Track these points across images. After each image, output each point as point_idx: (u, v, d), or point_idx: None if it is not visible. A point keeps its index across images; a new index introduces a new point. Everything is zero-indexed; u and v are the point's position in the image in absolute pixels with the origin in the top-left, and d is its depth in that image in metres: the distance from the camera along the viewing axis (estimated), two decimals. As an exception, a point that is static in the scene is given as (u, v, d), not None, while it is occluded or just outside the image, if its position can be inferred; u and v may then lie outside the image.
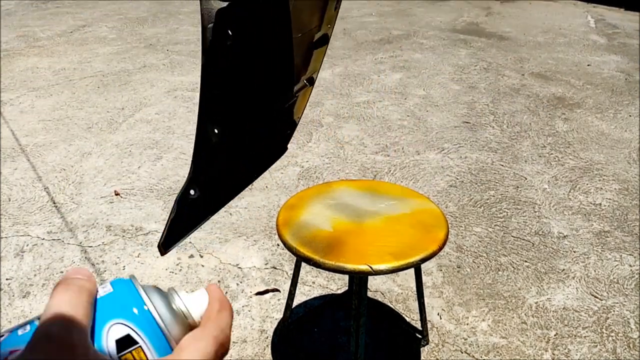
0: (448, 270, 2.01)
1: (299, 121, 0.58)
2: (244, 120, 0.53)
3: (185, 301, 0.33)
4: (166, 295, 0.32)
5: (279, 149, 0.57)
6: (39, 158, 2.78)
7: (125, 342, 0.30)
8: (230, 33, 0.49)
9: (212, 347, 0.30)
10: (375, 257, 1.16)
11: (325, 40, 0.57)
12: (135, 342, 0.30)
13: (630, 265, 2.06)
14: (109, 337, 0.29)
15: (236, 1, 0.49)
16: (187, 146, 2.94)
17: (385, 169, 2.75)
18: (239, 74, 0.52)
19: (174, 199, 0.47)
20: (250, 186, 2.52)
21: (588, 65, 4.51)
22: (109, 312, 0.30)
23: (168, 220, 0.46)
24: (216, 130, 0.50)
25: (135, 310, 0.30)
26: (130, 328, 0.30)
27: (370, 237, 1.24)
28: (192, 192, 0.49)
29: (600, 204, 2.48)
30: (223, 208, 0.49)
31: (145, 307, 0.31)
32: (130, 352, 0.29)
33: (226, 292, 1.88)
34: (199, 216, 0.49)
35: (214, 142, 0.50)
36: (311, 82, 0.57)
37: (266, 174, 2.64)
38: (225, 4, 0.48)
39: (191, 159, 0.50)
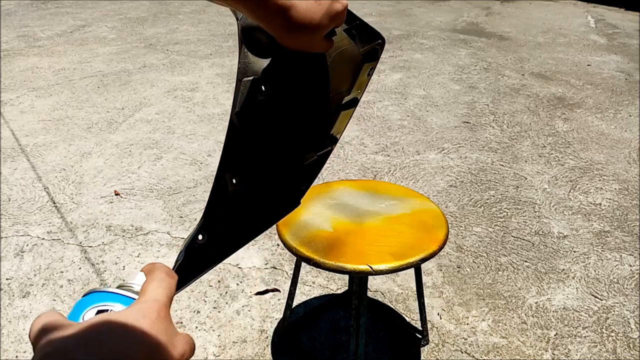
0: (448, 270, 2.01)
1: (315, 178, 0.59)
2: (264, 173, 0.54)
3: (133, 281, 0.42)
4: (122, 286, 0.42)
5: (292, 203, 0.58)
6: (39, 158, 2.78)
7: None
8: (263, 89, 0.51)
9: (164, 274, 0.40)
10: (375, 257, 1.16)
11: (354, 104, 0.58)
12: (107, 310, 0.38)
13: (630, 265, 2.06)
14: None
15: (275, 60, 0.51)
16: (187, 146, 2.94)
17: (385, 169, 2.75)
18: (266, 129, 0.53)
19: (183, 244, 0.49)
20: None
21: (588, 65, 4.51)
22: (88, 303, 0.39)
23: (176, 264, 0.48)
24: (234, 180, 0.51)
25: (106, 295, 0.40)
26: (104, 305, 0.38)
27: (370, 237, 1.24)
28: (200, 237, 0.50)
29: (600, 204, 2.48)
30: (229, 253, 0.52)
31: (111, 291, 0.40)
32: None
33: (226, 292, 1.88)
34: (206, 262, 0.50)
35: (230, 191, 0.51)
36: (333, 141, 0.59)
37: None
38: (264, 61, 0.51)
39: (205, 204, 0.51)
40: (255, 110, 0.52)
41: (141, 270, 0.42)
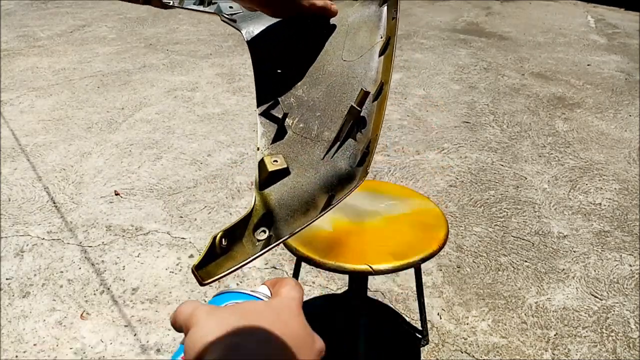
0: (448, 270, 2.01)
1: (378, 137, 0.56)
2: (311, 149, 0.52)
3: (258, 289, 0.43)
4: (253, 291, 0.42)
5: (356, 175, 0.54)
6: (39, 158, 2.78)
7: None
8: (279, 71, 0.51)
9: (293, 282, 0.41)
10: (375, 257, 1.16)
11: (388, 45, 0.57)
12: None
13: (630, 265, 2.06)
14: None
15: (278, 37, 0.51)
16: (187, 146, 2.94)
17: (385, 169, 2.75)
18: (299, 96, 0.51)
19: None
20: (251, 185, 2.52)
21: (588, 65, 4.51)
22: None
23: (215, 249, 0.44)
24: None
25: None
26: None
27: (370, 237, 1.24)
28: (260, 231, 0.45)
29: (600, 204, 2.48)
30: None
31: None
32: None
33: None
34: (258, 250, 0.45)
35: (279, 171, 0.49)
36: (381, 87, 0.57)
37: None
38: (271, 44, 0.50)
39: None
40: (282, 90, 0.51)
41: (263, 284, 0.43)
